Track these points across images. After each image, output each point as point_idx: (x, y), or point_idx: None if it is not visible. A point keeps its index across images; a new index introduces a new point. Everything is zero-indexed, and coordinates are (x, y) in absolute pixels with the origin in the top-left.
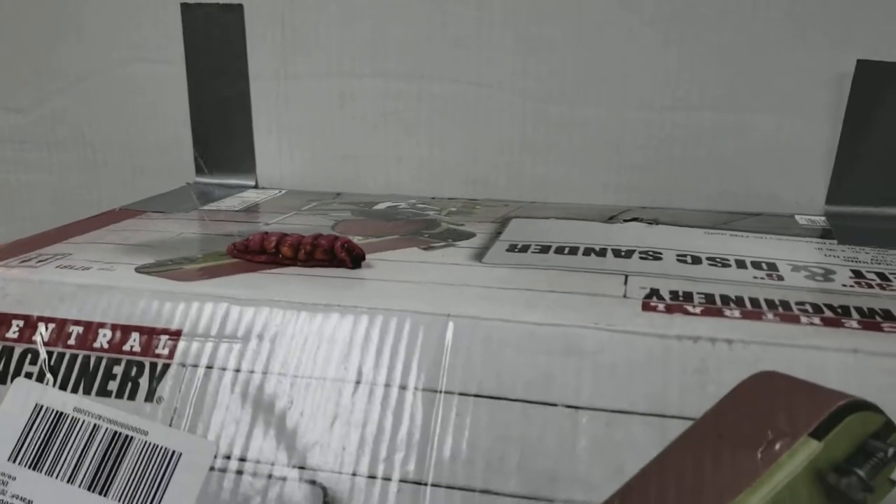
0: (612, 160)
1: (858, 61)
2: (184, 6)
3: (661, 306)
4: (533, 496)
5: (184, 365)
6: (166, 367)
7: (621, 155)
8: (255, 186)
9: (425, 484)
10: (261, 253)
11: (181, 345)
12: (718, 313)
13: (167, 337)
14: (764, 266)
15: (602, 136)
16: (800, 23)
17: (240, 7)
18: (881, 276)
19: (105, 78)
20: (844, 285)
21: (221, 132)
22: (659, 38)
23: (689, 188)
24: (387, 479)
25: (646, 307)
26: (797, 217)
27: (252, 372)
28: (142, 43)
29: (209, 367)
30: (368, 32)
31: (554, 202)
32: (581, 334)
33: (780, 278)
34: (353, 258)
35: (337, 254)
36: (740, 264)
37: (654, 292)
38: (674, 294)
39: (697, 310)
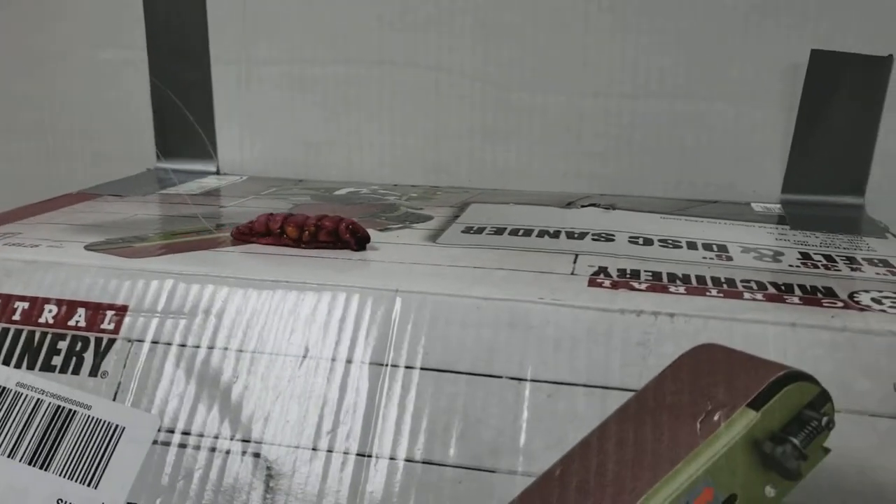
0: (572, 148)
1: (812, 51)
2: None
3: (607, 283)
4: (475, 467)
5: (129, 340)
6: (111, 342)
7: (581, 142)
8: (217, 172)
9: (370, 456)
10: (266, 235)
11: (127, 320)
12: (663, 289)
13: (113, 312)
14: (714, 248)
15: (562, 124)
16: (755, 12)
17: None
18: (828, 257)
19: (66, 64)
20: (791, 265)
21: (183, 118)
22: (617, 26)
23: (648, 176)
24: (330, 451)
25: (592, 283)
26: (753, 205)
27: (197, 347)
28: (103, 28)
29: (154, 343)
30: (329, 18)
31: (515, 189)
32: (526, 308)
33: (730, 259)
34: (358, 240)
35: (341, 235)
36: (691, 246)
37: (602, 270)
38: (621, 272)
39: (643, 286)
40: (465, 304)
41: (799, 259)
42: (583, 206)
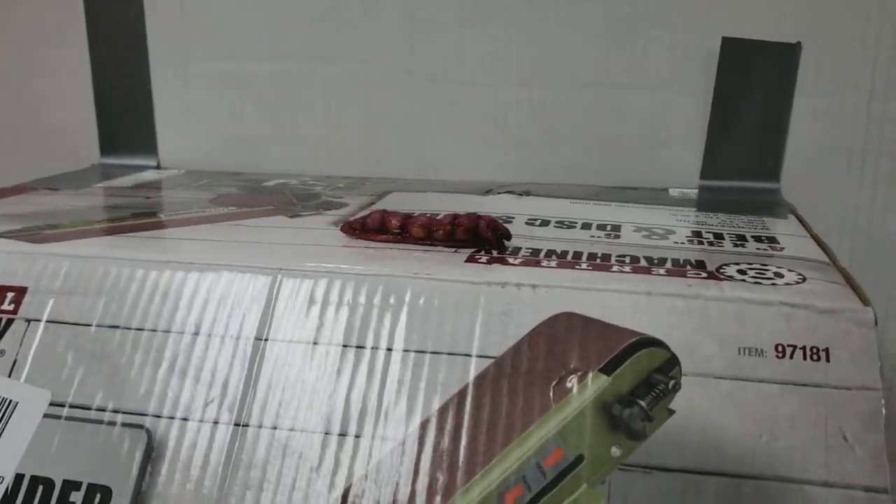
0: (498, 138)
1: (724, 38)
2: None
3: (483, 259)
4: (342, 432)
5: (27, 320)
6: (10, 322)
7: (507, 133)
8: (157, 167)
9: (246, 425)
10: (381, 232)
11: (26, 300)
12: (536, 264)
13: (13, 294)
14: (608, 227)
15: (489, 115)
16: (669, 1)
17: None
18: (717, 235)
19: (11, 62)
20: (677, 242)
21: (124, 114)
22: (539, 17)
23: (572, 164)
24: (205, 421)
25: (470, 259)
26: (671, 190)
27: (89, 326)
28: (46, 28)
29: (50, 322)
30: (264, 16)
31: (443, 179)
32: (400, 283)
33: (618, 237)
34: (498, 237)
35: (482, 233)
36: (586, 226)
37: (481, 250)
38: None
39: (518, 261)
40: (343, 280)
41: (687, 237)
42: (499, 193)
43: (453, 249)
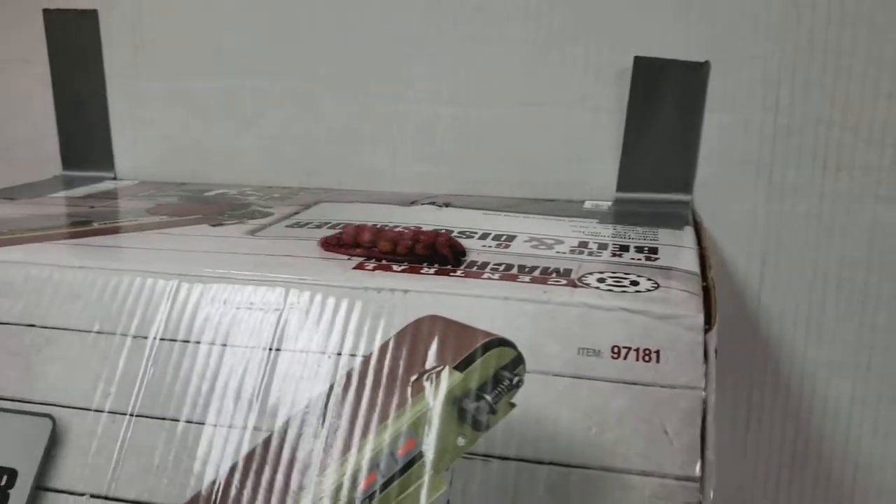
0: (429, 151)
1: (636, 57)
2: (45, 11)
3: (370, 266)
4: (225, 424)
5: None
6: None
7: (437, 146)
8: (114, 178)
9: (131, 415)
10: (355, 247)
11: None
12: (416, 271)
13: None
14: (503, 238)
15: (421, 129)
16: (585, 20)
17: (95, 13)
18: (602, 245)
19: None
20: (559, 252)
21: (83, 128)
22: (464, 35)
23: (495, 177)
24: (103, 412)
25: (358, 267)
26: (587, 202)
27: (8, 324)
28: (9, 45)
29: None
30: (209, 37)
31: (376, 190)
32: (288, 289)
33: (507, 247)
34: (455, 254)
35: (439, 249)
36: (484, 236)
37: (375, 258)
38: (392, 259)
39: (401, 269)
40: (232, 286)
41: (572, 247)
42: (423, 204)
43: (405, 264)
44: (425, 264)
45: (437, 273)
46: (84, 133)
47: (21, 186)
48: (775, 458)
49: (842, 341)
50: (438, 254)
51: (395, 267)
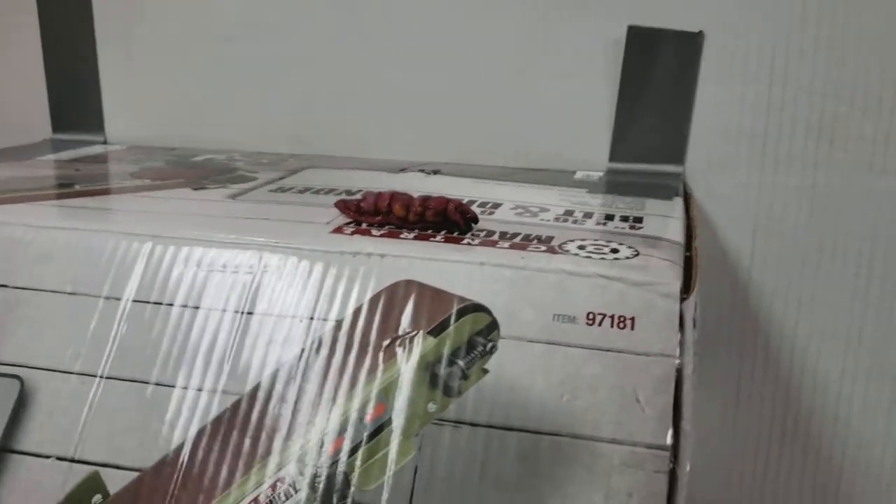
0: (422, 120)
1: (629, 27)
2: None
3: (349, 231)
4: (195, 387)
5: None
6: None
7: (430, 115)
8: (104, 143)
9: (101, 377)
10: (375, 214)
11: None
12: (395, 236)
13: None
14: (488, 205)
15: (415, 98)
16: None
17: None
18: (587, 214)
19: None
20: (543, 220)
21: (73, 92)
22: (455, 9)
23: (487, 147)
24: (71, 373)
25: (336, 230)
26: (578, 172)
27: None
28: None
29: None
30: (201, 1)
31: (368, 157)
32: (262, 252)
33: (492, 213)
34: (466, 220)
35: (450, 216)
36: (469, 203)
37: (355, 222)
38: (372, 223)
39: (380, 233)
40: (208, 249)
41: (557, 216)
42: (412, 172)
43: (416, 231)
44: (435, 231)
45: (415, 238)
46: (74, 97)
47: (9, 149)
48: (765, 433)
49: (833, 315)
50: (449, 220)
51: (374, 231)
